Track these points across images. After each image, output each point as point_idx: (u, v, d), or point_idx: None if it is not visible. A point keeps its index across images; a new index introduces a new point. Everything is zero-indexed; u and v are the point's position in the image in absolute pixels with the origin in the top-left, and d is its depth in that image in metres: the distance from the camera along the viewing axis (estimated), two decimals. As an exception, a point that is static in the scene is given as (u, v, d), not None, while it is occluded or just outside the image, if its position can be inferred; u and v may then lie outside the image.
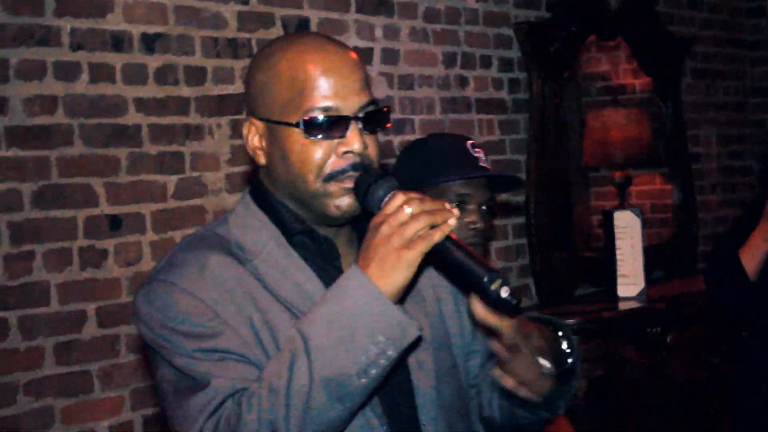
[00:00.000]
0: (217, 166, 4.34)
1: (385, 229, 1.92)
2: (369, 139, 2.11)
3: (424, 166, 3.09)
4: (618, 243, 5.54)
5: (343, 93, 2.08)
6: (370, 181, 2.04)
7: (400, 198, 1.96)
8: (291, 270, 2.12)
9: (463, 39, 5.44)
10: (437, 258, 1.97)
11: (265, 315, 2.05)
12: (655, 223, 6.60)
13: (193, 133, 4.27)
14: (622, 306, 5.44)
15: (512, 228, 5.65)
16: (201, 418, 1.95)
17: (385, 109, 2.16)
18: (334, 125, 2.07)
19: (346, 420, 1.97)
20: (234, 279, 2.06)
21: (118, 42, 4.05)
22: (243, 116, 4.39)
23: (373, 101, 2.14)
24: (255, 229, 2.15)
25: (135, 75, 4.10)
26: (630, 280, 5.54)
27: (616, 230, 5.55)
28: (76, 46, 3.93)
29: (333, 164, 2.07)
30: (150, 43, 4.14)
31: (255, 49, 4.45)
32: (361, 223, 2.19)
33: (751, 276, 3.99)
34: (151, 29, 4.14)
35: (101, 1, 4.01)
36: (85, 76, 3.95)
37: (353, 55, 2.15)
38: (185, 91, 4.24)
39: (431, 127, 5.14)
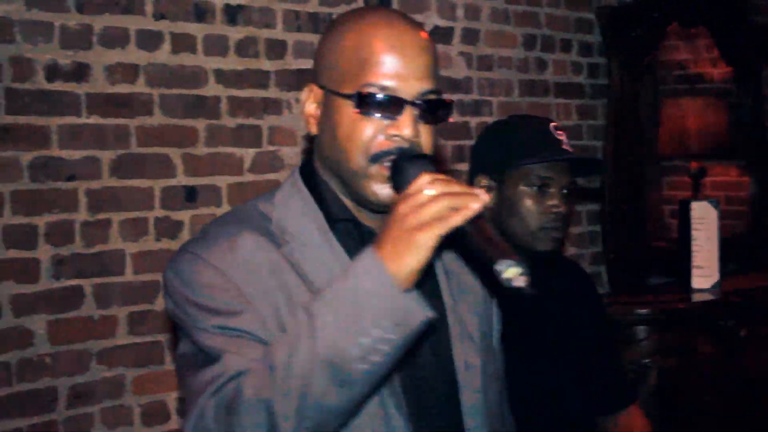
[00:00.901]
0: (294, 140, 4.32)
1: (402, 208, 1.83)
2: (424, 129, 2.04)
3: (507, 148, 3.04)
4: (694, 234, 5.46)
5: (405, 75, 2.00)
6: (402, 162, 1.97)
7: (425, 179, 1.85)
8: (328, 259, 2.05)
9: (543, 21, 5.38)
10: (460, 243, 1.86)
11: (292, 300, 1.98)
12: (729, 215, 6.49)
13: (272, 106, 4.25)
14: (696, 298, 5.36)
15: (586, 214, 5.58)
16: (206, 393, 1.86)
17: (447, 101, 2.08)
18: (389, 105, 1.99)
19: (348, 411, 1.87)
20: (265, 260, 2.00)
21: (201, 12, 4.03)
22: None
23: (436, 90, 2.05)
24: (298, 212, 2.10)
25: (216, 46, 4.08)
26: (705, 272, 5.46)
27: (693, 221, 5.47)
28: (159, 16, 3.91)
29: (379, 145, 2.00)
30: (232, 14, 4.12)
31: (336, 25, 4.42)
32: None
33: None
34: (234, 1, 4.12)
35: (185, -29, 4.00)
36: (166, 46, 3.94)
37: (424, 36, 2.07)
38: (265, 64, 4.22)
39: (509, 109, 5.08)
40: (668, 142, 6.29)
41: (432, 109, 2.04)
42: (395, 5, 4.63)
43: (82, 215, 3.74)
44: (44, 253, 3.66)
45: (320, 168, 2.13)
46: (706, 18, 6.07)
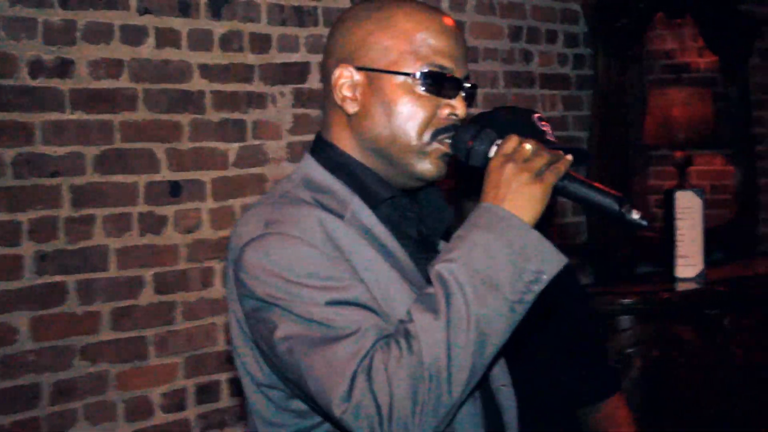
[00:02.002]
0: (279, 134, 4.32)
1: (512, 166, 1.93)
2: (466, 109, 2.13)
3: (492, 139, 3.05)
4: (678, 223, 5.47)
5: (457, 58, 2.09)
6: (473, 134, 2.05)
7: (515, 139, 1.97)
8: (378, 233, 2.07)
9: (529, 13, 5.38)
10: (561, 194, 1.99)
11: (372, 271, 2.00)
12: (714, 204, 6.51)
13: (256, 100, 4.24)
14: (680, 287, 5.38)
15: (571, 205, 5.59)
16: (353, 363, 1.84)
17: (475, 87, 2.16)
18: (448, 84, 2.07)
19: (486, 365, 1.92)
20: (342, 233, 1.99)
21: (185, 7, 4.02)
22: (307, 85, 4.37)
23: (470, 76, 2.15)
24: (333, 193, 2.09)
25: (200, 41, 4.07)
26: (689, 261, 5.47)
27: (677, 210, 5.48)
28: (143, 10, 3.90)
29: (436, 123, 2.06)
30: (216, 8, 4.11)
31: (321, 18, 4.42)
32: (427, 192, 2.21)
33: None
34: (218, -5, 4.12)
35: (169, -35, 3.99)
36: (151, 41, 3.93)
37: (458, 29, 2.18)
38: (250, 58, 4.21)
39: (494, 101, 5.08)
40: (654, 131, 6.31)
41: (471, 93, 2.14)
42: (380, -2, 4.62)
43: (65, 211, 3.73)
44: (27, 249, 3.66)
45: (353, 149, 2.13)
46: (692, 8, 6.09)
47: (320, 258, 1.93)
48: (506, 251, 1.87)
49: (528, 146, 1.95)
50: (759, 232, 6.63)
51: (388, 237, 2.07)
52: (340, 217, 2.03)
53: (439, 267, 1.88)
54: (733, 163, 6.53)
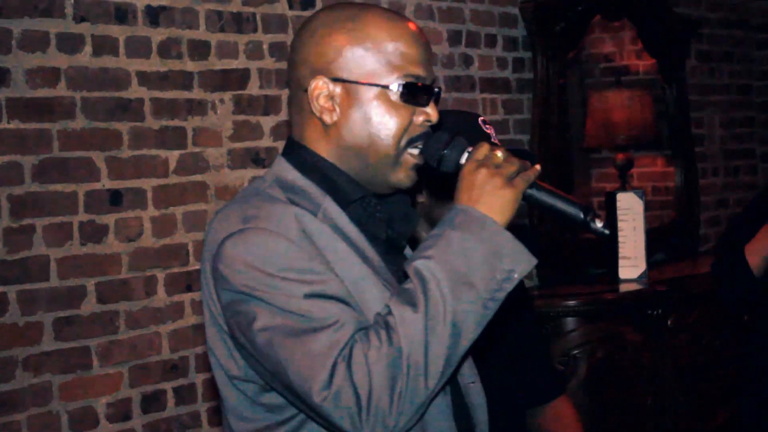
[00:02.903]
0: (220, 141, 4.30)
1: (484, 171, 2.02)
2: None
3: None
4: (620, 225, 5.52)
5: (428, 65, 2.16)
6: (446, 140, 2.13)
7: (486, 146, 2.07)
8: (349, 232, 2.12)
9: (468, 17, 5.40)
10: (529, 201, 2.08)
11: (344, 266, 2.06)
12: (656, 205, 6.58)
13: (196, 108, 4.23)
14: (624, 288, 5.43)
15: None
16: (333, 353, 1.90)
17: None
18: (423, 93, 2.14)
19: (459, 359, 1.99)
20: (316, 228, 2.05)
21: (122, 14, 4.00)
22: (247, 91, 4.36)
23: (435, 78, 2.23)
24: (305, 192, 2.14)
25: (138, 48, 4.05)
26: (631, 262, 5.53)
27: (618, 212, 5.53)
28: (79, 18, 3.88)
29: (412, 130, 2.13)
30: (154, 16, 4.09)
31: (260, 24, 4.42)
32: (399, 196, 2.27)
33: (756, 272, 3.99)
34: (155, 2, 4.10)
35: (105, -27, 3.97)
36: (88, 49, 3.91)
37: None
38: (189, 65, 4.20)
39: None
40: (595, 134, 6.36)
41: (439, 96, 2.21)
42: (319, 5, 4.63)
43: (4, 221, 3.70)
44: (-33, 260, 3.63)
45: (328, 153, 2.17)
46: (630, 11, 6.14)
47: (298, 252, 1.99)
48: (481, 250, 1.96)
49: (499, 153, 2.04)
50: (700, 233, 6.69)
51: (358, 236, 2.13)
52: (313, 214, 2.08)
53: (417, 263, 1.96)
54: (674, 164, 6.58)
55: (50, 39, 3.81)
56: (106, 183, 3.96)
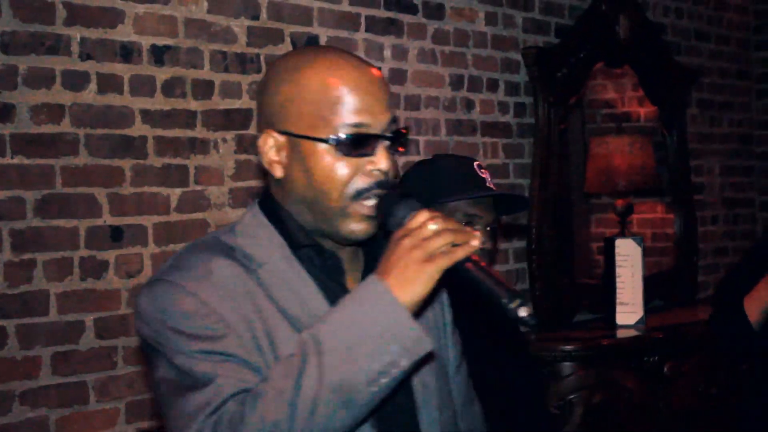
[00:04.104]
0: (221, 180, 4.33)
1: (407, 242, 1.92)
2: (392, 159, 2.12)
3: (432, 186, 3.10)
4: (618, 271, 5.54)
5: (373, 110, 2.08)
6: (393, 201, 2.05)
7: (424, 215, 1.96)
8: (295, 283, 2.10)
9: (470, 62, 5.45)
10: (456, 277, 1.95)
11: (267, 324, 2.04)
12: (655, 251, 6.60)
13: (199, 146, 4.26)
14: (621, 334, 5.44)
15: (513, 252, 5.64)
16: (201, 416, 1.92)
17: (403, 131, 2.16)
18: (365, 143, 2.07)
19: (349, 430, 1.93)
20: (239, 285, 2.05)
21: (127, 53, 4.04)
22: (250, 131, 4.39)
23: (396, 119, 2.15)
24: (261, 240, 2.14)
25: (143, 86, 4.09)
26: (629, 308, 5.54)
27: (617, 258, 5.55)
28: (85, 56, 3.92)
29: (359, 182, 2.07)
30: (159, 55, 4.13)
31: (263, 65, 4.45)
32: (367, 242, 2.19)
33: (755, 324, 3.99)
34: (161, 41, 4.14)
35: (112, 12, 4.00)
36: (92, 86, 3.94)
37: (378, 72, 2.16)
38: (192, 104, 4.23)
39: (436, 148, 5.14)
40: (596, 179, 6.37)
41: (397, 139, 2.13)
42: (323, 44, 4.67)
43: (5, 255, 3.72)
44: (-33, 293, 3.65)
45: (285, 204, 2.16)
46: (631, 58, 6.18)
47: (198, 308, 2.00)
48: (371, 328, 1.88)
49: (432, 225, 1.93)
50: (698, 280, 6.71)
51: (302, 283, 2.11)
52: (254, 264, 2.10)
53: (305, 333, 1.92)
54: (674, 211, 6.61)
55: (55, 76, 3.85)
56: (107, 219, 3.98)
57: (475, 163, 3.16)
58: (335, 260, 2.18)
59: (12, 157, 3.74)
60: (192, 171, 4.24)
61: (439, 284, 1.93)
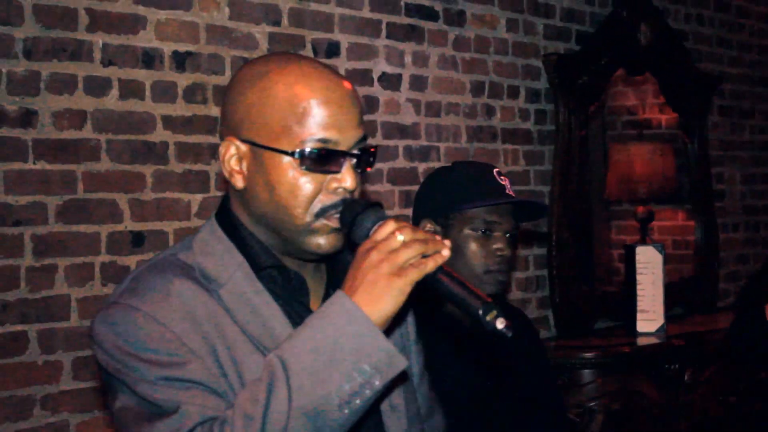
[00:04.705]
0: (242, 186, 4.32)
1: (375, 255, 1.83)
2: (358, 177, 2.04)
3: (451, 193, 3.09)
4: (639, 278, 5.53)
5: (342, 126, 1.99)
6: (357, 211, 1.96)
7: (391, 225, 1.87)
8: (257, 304, 2.02)
9: (491, 68, 5.44)
10: (428, 289, 1.86)
11: (231, 347, 1.96)
12: (676, 259, 6.58)
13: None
14: (641, 341, 5.43)
15: (533, 259, 5.63)
16: None
17: (372, 149, 2.08)
18: (331, 159, 1.98)
19: None
20: (200, 307, 1.96)
21: (149, 59, 4.06)
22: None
23: (366, 136, 2.05)
24: (220, 258, 2.04)
25: (164, 92, 4.10)
26: (649, 316, 5.53)
27: (638, 265, 5.54)
28: (107, 62, 3.93)
29: (323, 199, 1.99)
30: (180, 61, 4.14)
31: (284, 71, 4.45)
32: (330, 258, 2.12)
33: None
34: (182, 47, 4.15)
35: (133, 18, 4.02)
36: (114, 92, 3.96)
37: (350, 86, 2.06)
38: (213, 110, 4.24)
39: (456, 155, 5.14)
40: (616, 186, 6.37)
41: (366, 157, 2.05)
42: (344, 53, 4.68)
43: (27, 260, 3.73)
44: (-11, 298, 3.66)
45: (245, 218, 2.07)
46: (652, 65, 6.16)
47: (159, 333, 1.91)
48: (341, 347, 1.79)
49: (400, 236, 1.84)
50: (719, 288, 6.68)
51: (265, 304, 2.02)
52: (214, 284, 2.01)
53: (271, 355, 1.84)
54: (694, 218, 6.59)
55: (78, 82, 3.86)
56: (128, 225, 3.99)
57: (495, 170, 3.15)
58: (299, 280, 2.09)
59: (34, 163, 3.75)
60: (213, 177, 4.24)
61: (410, 299, 1.84)
